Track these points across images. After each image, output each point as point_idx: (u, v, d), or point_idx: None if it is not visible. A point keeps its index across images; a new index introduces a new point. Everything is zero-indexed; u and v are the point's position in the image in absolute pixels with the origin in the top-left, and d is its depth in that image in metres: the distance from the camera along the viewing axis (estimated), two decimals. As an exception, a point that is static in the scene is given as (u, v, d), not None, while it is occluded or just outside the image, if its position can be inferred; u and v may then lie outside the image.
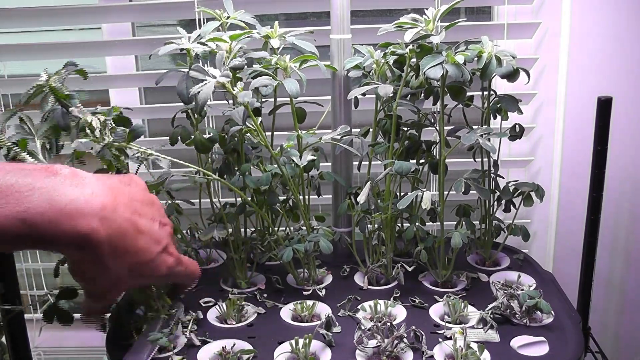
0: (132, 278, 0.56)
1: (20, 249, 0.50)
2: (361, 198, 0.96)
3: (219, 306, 0.94)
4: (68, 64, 0.83)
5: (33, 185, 0.46)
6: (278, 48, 0.98)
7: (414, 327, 0.84)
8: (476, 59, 0.90)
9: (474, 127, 0.98)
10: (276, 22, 0.99)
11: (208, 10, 1.03)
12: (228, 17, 0.99)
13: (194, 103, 0.85)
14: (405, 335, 0.82)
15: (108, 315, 0.71)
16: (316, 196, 1.13)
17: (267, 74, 0.93)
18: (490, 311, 0.89)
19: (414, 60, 0.94)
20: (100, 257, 0.51)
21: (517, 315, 0.89)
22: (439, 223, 0.99)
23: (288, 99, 1.26)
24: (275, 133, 1.09)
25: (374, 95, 0.95)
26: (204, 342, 0.86)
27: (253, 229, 1.15)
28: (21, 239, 0.46)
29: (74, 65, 0.84)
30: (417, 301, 0.95)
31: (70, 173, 0.50)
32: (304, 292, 0.98)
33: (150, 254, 0.55)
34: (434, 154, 1.06)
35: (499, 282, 1.00)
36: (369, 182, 0.98)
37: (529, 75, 0.96)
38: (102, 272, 0.53)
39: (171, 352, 0.83)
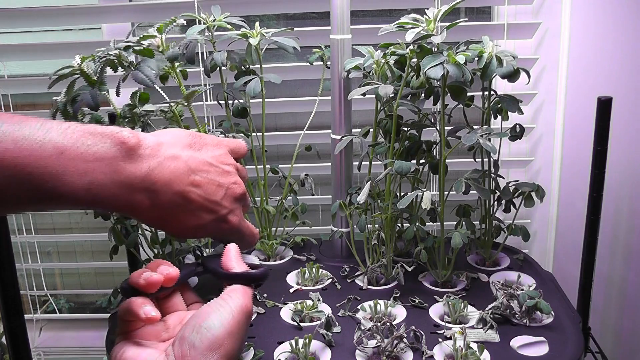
0: (190, 236, 0.62)
1: (77, 210, 0.55)
2: (361, 198, 0.96)
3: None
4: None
5: (99, 155, 0.51)
6: (260, 47, 1.02)
7: (413, 327, 0.84)
8: (476, 59, 0.90)
9: (475, 127, 0.98)
10: (257, 23, 1.02)
11: (191, 15, 1.03)
12: (214, 20, 1.01)
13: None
14: (405, 335, 0.82)
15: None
16: (311, 195, 1.13)
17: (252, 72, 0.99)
18: (490, 311, 0.89)
19: (414, 60, 0.94)
20: (149, 222, 0.58)
21: (517, 316, 0.90)
22: (439, 223, 0.99)
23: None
24: (267, 134, 1.09)
25: (374, 96, 0.95)
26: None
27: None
28: (82, 203, 0.52)
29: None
30: (417, 301, 0.95)
31: (134, 144, 0.53)
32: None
33: (200, 220, 0.59)
34: (434, 154, 1.06)
35: (499, 282, 1.00)
36: (369, 182, 0.98)
37: (529, 76, 0.96)
38: (159, 227, 0.59)
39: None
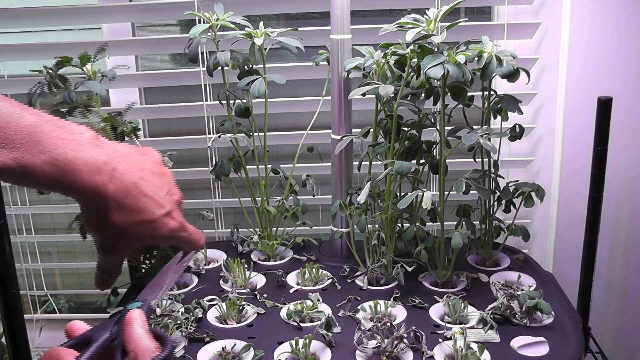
0: (136, 234, 0.64)
1: (45, 189, 0.62)
2: (361, 198, 0.96)
3: (219, 306, 0.94)
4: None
5: (67, 138, 0.57)
6: (264, 47, 1.02)
7: (414, 327, 0.84)
8: (476, 59, 0.90)
9: (475, 127, 0.98)
10: (261, 23, 1.03)
11: (196, 14, 1.05)
12: (218, 19, 1.01)
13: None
14: (405, 335, 0.82)
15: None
16: (311, 196, 1.13)
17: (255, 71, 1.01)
18: (490, 311, 0.89)
19: (414, 60, 0.94)
20: (107, 209, 0.61)
21: (517, 316, 0.89)
22: (439, 223, 0.99)
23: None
24: (268, 133, 1.09)
25: (374, 96, 0.95)
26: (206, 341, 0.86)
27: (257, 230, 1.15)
28: (49, 180, 0.56)
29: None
30: (417, 301, 0.95)
31: (93, 136, 0.61)
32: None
33: (151, 214, 0.64)
34: (434, 154, 1.06)
35: (499, 282, 1.00)
36: (369, 182, 0.98)
37: (529, 76, 0.96)
38: (106, 225, 0.62)
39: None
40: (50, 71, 0.99)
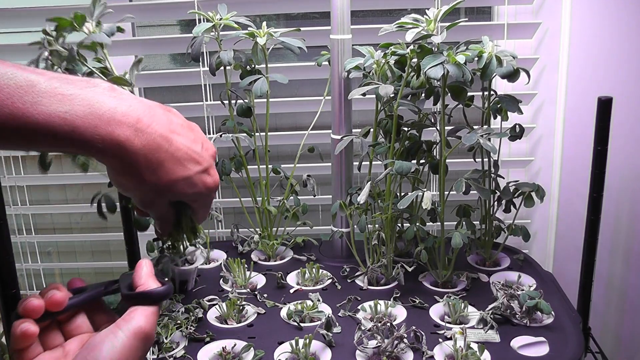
0: (173, 192, 0.57)
1: (59, 150, 0.52)
2: (361, 198, 0.96)
3: (219, 306, 0.94)
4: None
5: (75, 91, 0.50)
6: (267, 47, 1.02)
7: (414, 327, 0.84)
8: (476, 59, 0.90)
9: (475, 127, 0.98)
10: (264, 23, 1.03)
11: (199, 12, 1.05)
12: (221, 19, 1.01)
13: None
14: (406, 335, 0.82)
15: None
16: (312, 196, 1.13)
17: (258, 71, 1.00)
18: (490, 311, 0.89)
19: (414, 60, 0.94)
20: (136, 168, 0.53)
21: (517, 316, 0.90)
22: (439, 223, 0.99)
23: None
24: (270, 133, 1.09)
25: (374, 96, 0.95)
26: (206, 341, 0.86)
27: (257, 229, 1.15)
28: (61, 139, 0.49)
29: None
30: (417, 301, 0.95)
31: (109, 87, 0.53)
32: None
33: (187, 171, 0.57)
34: (434, 154, 1.06)
35: (499, 282, 1.00)
36: (369, 182, 0.98)
37: (529, 76, 0.96)
38: (139, 184, 0.55)
39: (173, 350, 0.84)
40: (51, 38, 0.91)
